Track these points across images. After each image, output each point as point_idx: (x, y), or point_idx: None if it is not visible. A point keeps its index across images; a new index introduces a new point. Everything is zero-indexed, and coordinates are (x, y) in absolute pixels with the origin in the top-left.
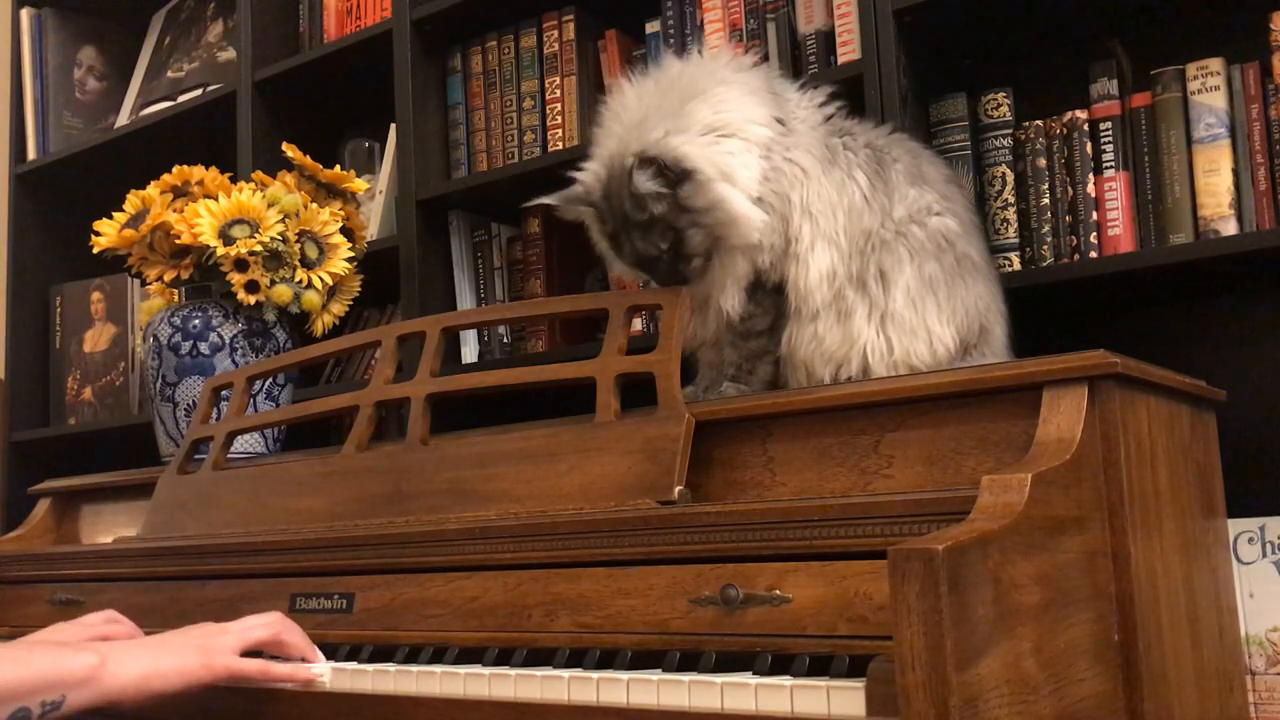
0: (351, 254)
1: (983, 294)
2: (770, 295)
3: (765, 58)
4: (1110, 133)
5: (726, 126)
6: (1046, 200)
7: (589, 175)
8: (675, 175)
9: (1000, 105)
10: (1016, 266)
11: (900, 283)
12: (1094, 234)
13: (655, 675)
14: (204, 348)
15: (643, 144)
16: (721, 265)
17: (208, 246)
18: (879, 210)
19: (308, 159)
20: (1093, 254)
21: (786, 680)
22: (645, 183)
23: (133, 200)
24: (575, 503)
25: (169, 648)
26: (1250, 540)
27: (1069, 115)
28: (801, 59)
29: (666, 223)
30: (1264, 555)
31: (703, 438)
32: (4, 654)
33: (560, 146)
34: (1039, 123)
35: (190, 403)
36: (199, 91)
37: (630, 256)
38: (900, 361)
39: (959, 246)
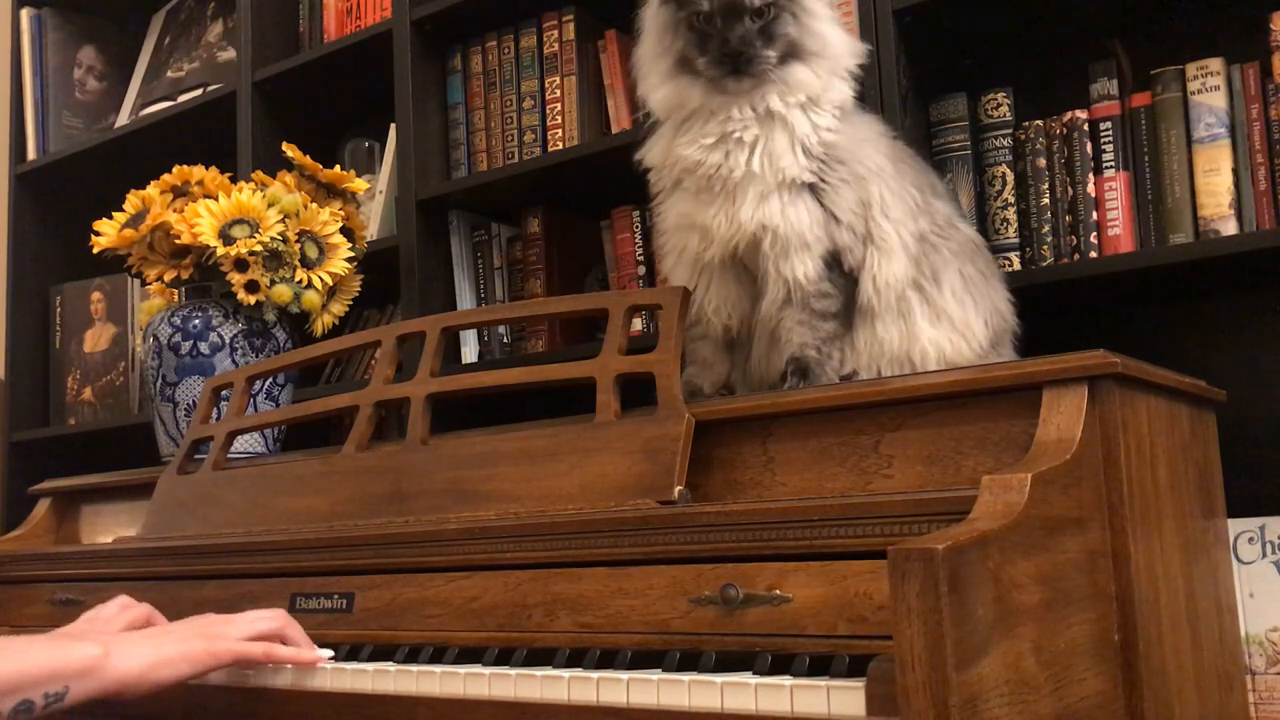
0: (351, 254)
1: (1004, 296)
2: (844, 277)
3: None
4: (1110, 133)
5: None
6: (1046, 200)
7: None
8: None
9: (1000, 105)
10: (1016, 266)
11: (947, 283)
12: (1094, 234)
13: (655, 675)
14: (204, 348)
15: None
16: (785, 90)
17: (208, 246)
18: (927, 217)
19: (308, 159)
20: (1093, 254)
21: (786, 680)
22: None
23: (133, 200)
24: (575, 503)
25: (174, 635)
26: (1250, 540)
27: (1069, 115)
28: None
29: None
30: (1264, 555)
31: (703, 438)
32: (5, 646)
33: (560, 146)
34: (1039, 123)
35: (190, 403)
36: (199, 91)
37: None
38: (952, 359)
39: (984, 253)
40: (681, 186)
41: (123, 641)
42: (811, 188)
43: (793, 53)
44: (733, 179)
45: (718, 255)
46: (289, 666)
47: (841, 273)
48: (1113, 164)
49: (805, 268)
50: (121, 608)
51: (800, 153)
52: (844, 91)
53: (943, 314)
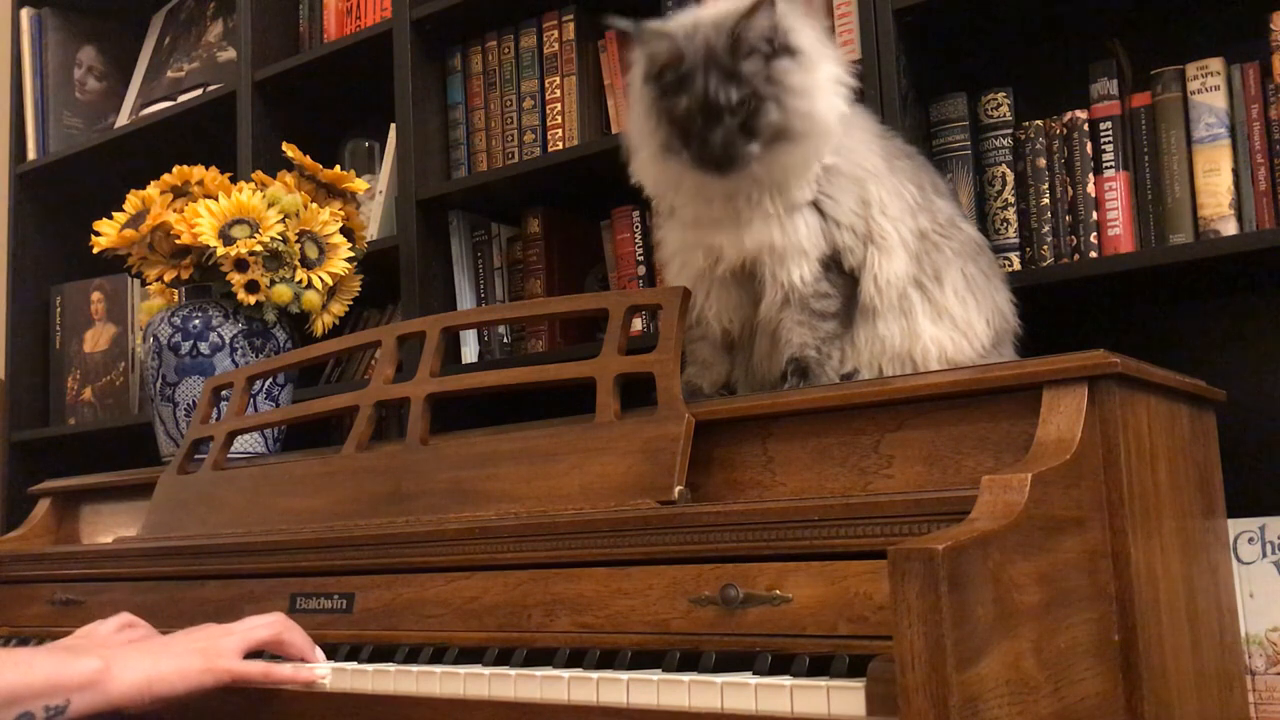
0: (351, 254)
1: (1006, 296)
2: (843, 277)
3: None
4: (1110, 133)
5: (822, 58)
6: (1046, 200)
7: (674, 24)
8: (779, 45)
9: (1000, 105)
10: (1016, 266)
11: (949, 282)
12: (1094, 234)
13: (655, 675)
14: (204, 348)
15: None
16: (776, 174)
17: (208, 246)
18: (927, 215)
19: (308, 159)
20: (1093, 254)
21: (786, 680)
22: (758, 26)
23: (133, 200)
24: (575, 503)
25: (171, 651)
26: (1250, 540)
27: (1069, 115)
28: None
29: (750, 82)
30: (1264, 555)
31: (703, 438)
32: (7, 658)
33: (560, 146)
34: (1039, 123)
35: (190, 403)
36: (199, 91)
37: (696, 99)
38: (953, 358)
39: (986, 253)
40: (681, 214)
41: (123, 656)
42: (813, 202)
43: (780, 135)
44: (740, 218)
45: (726, 271)
46: (289, 666)
47: (841, 273)
48: (1113, 164)
49: (801, 271)
50: (119, 627)
51: (805, 184)
52: (840, 109)
53: (944, 312)
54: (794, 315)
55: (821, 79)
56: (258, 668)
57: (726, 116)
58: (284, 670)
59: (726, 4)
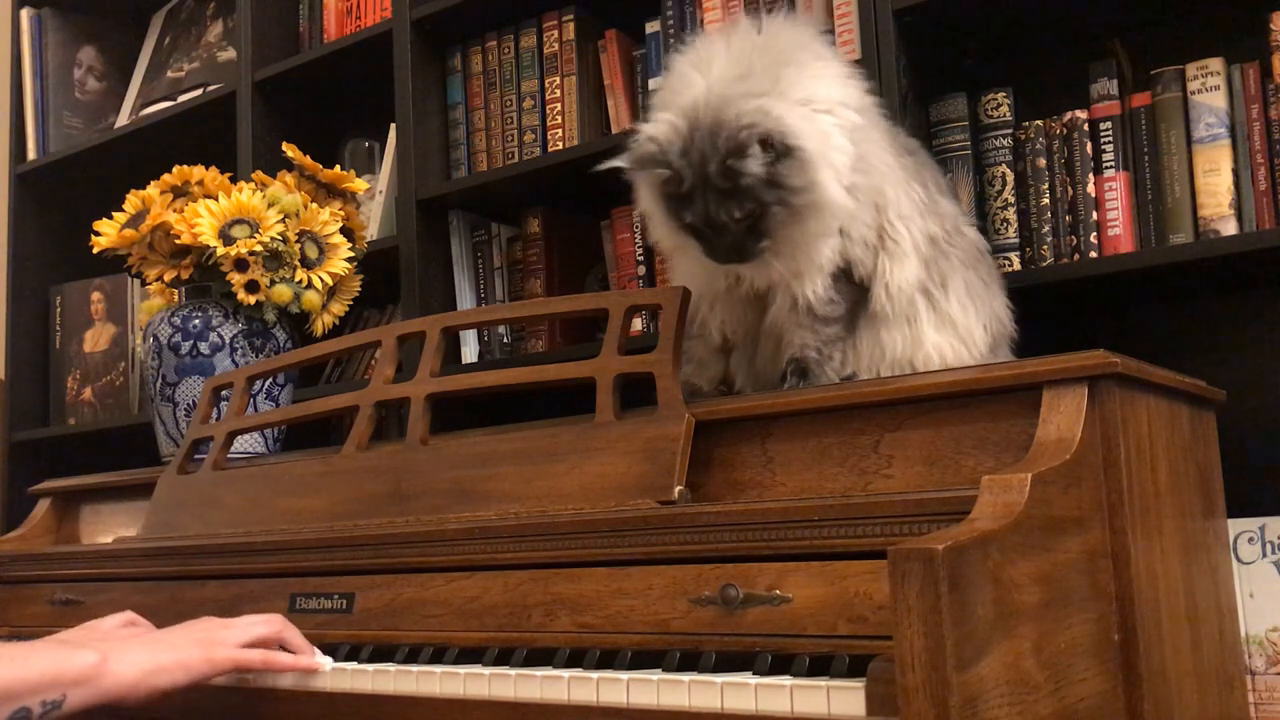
0: (351, 254)
1: (1003, 302)
2: (849, 284)
3: None
4: (1110, 133)
5: (823, 102)
6: (1046, 200)
7: (663, 127)
8: (778, 150)
9: (1000, 105)
10: (1016, 266)
11: (953, 289)
12: (1094, 234)
13: (655, 675)
14: (204, 348)
15: (750, 113)
16: (795, 251)
17: (208, 246)
18: (935, 217)
19: (308, 159)
20: (1093, 254)
21: (786, 680)
22: (753, 164)
23: (133, 200)
24: (575, 503)
25: (170, 643)
26: (1250, 540)
27: (1069, 115)
28: None
29: (751, 195)
30: (1264, 555)
31: (703, 438)
32: (3, 654)
33: (560, 146)
34: (1039, 123)
35: (190, 403)
36: (199, 91)
37: (699, 217)
38: (952, 365)
39: (986, 259)
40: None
41: (120, 649)
42: None
43: (790, 223)
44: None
45: (746, 290)
46: (290, 656)
47: (849, 281)
48: (1113, 164)
49: (815, 286)
50: (121, 624)
51: (826, 243)
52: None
53: (947, 319)
54: (799, 319)
55: (826, 168)
56: (258, 654)
57: (732, 227)
58: (285, 658)
59: (722, 75)
